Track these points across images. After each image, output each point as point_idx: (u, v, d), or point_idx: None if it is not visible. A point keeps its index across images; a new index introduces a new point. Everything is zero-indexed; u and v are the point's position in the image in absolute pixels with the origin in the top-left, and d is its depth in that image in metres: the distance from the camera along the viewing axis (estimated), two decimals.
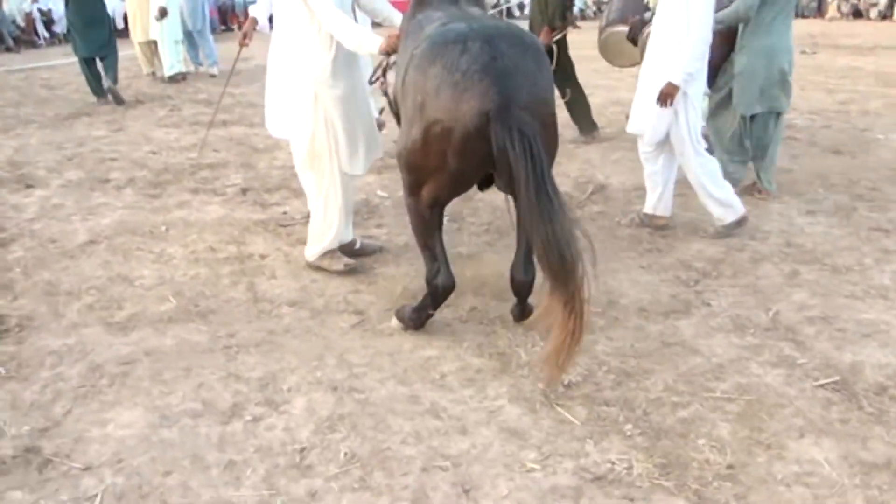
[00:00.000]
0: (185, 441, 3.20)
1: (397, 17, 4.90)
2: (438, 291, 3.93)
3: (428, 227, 3.92)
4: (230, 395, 3.54)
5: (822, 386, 3.52)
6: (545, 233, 3.21)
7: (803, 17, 24.38)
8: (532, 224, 3.27)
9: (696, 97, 5.11)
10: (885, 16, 23.73)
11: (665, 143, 5.34)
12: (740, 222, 5.34)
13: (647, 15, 7.19)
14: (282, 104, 4.75)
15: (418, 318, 4.11)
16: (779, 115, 6.12)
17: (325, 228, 4.87)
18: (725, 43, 6.07)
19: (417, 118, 3.64)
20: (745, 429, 3.22)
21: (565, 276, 3.16)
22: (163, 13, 12.14)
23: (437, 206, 3.90)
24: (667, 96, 5.03)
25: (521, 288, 4.04)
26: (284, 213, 6.11)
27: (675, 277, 4.75)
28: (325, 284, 4.73)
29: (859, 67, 13.55)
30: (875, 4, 24.10)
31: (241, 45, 5.77)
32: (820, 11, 25.27)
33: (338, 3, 4.41)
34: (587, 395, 3.48)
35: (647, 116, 5.27)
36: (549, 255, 3.21)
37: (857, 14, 24.47)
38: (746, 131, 6.19)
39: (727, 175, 5.68)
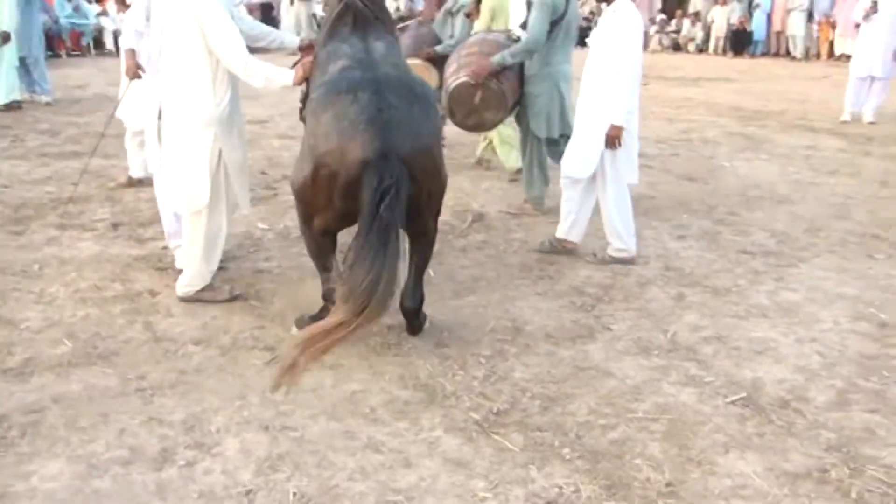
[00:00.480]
0: (121, 491, 3.05)
1: (289, 38, 4.97)
2: None
3: (322, 250, 4.24)
4: (156, 439, 3.40)
5: (732, 402, 3.75)
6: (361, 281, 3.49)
7: None
8: (354, 261, 3.55)
9: (628, 132, 5.33)
10: (701, 49, 25.39)
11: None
12: (630, 261, 5.57)
13: (440, 48, 7.69)
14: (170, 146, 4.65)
15: None
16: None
17: (206, 272, 4.84)
18: (517, 77, 6.39)
19: (309, 158, 3.93)
20: (673, 447, 3.39)
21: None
22: (5, 38, 11.43)
23: (329, 234, 4.18)
24: (613, 139, 5.27)
25: (409, 312, 4.33)
26: (164, 248, 5.89)
27: (571, 303, 4.93)
28: (227, 321, 4.60)
29: (690, 97, 14.44)
30: (692, 39, 25.75)
31: (136, 77, 5.65)
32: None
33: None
34: (519, 422, 3.56)
35: (582, 158, 5.49)
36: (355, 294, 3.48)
37: (677, 47, 26.06)
38: (542, 154, 6.56)
39: (538, 200, 6.51)
